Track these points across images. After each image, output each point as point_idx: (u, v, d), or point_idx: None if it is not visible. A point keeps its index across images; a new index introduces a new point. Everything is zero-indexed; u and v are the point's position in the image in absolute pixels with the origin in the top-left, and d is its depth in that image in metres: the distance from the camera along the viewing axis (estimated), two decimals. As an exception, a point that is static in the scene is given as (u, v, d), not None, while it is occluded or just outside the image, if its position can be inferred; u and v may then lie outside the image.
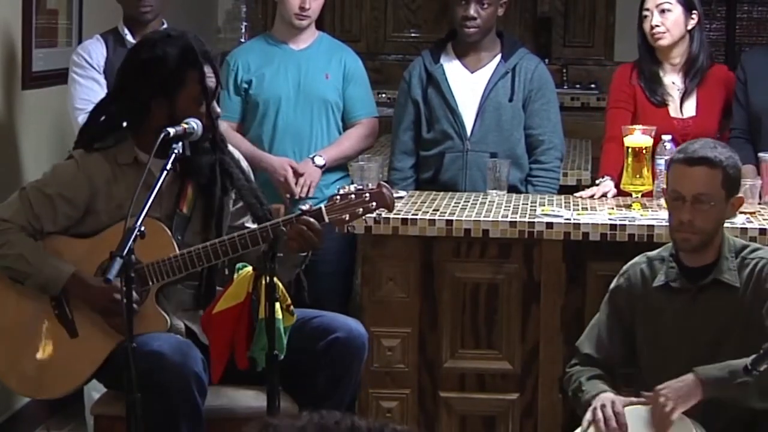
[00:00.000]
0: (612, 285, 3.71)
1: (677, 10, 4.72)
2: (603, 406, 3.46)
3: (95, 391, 4.17)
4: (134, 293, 3.46)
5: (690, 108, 4.78)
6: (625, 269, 3.70)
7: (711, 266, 3.54)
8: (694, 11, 4.76)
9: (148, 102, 3.60)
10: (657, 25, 4.69)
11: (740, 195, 3.61)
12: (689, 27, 4.76)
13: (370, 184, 3.59)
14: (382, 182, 3.64)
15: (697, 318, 3.53)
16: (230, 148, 3.80)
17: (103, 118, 3.72)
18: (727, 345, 3.49)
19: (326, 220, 3.48)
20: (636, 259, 3.70)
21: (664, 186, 3.72)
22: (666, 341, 3.57)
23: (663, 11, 4.70)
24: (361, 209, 3.47)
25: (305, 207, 3.52)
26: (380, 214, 3.57)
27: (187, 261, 3.53)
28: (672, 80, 4.80)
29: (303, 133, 4.89)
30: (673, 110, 4.78)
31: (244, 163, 3.83)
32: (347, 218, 3.49)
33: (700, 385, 3.38)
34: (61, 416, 4.59)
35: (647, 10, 4.73)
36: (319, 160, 4.84)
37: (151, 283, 3.55)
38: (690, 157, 3.51)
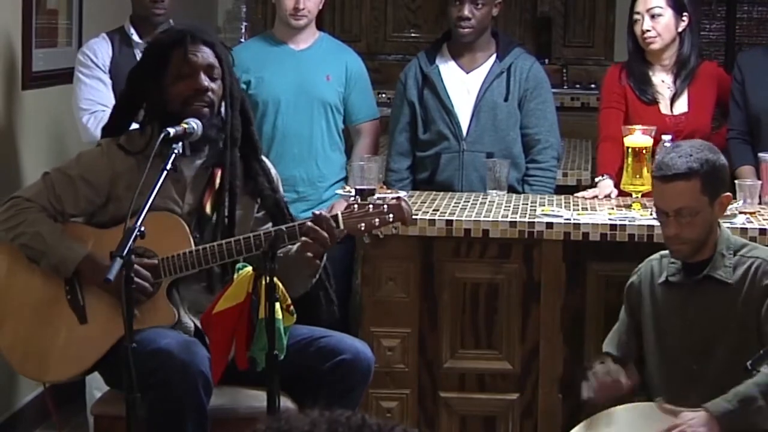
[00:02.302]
0: (627, 282, 3.74)
1: (668, 14, 4.71)
2: (595, 372, 3.51)
3: (97, 390, 4.17)
4: (148, 276, 3.51)
5: (681, 105, 4.79)
6: (639, 266, 3.73)
7: (707, 262, 3.56)
8: (685, 13, 4.75)
9: (147, 91, 3.66)
10: (648, 30, 4.69)
11: (727, 193, 3.59)
12: (680, 29, 4.75)
13: (388, 197, 3.57)
14: (402, 196, 3.63)
15: (692, 313, 3.56)
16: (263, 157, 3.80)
17: (121, 113, 3.77)
18: (722, 341, 3.51)
19: (341, 227, 3.48)
20: (652, 256, 3.72)
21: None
22: (666, 336, 3.59)
23: (654, 16, 4.70)
24: (377, 220, 3.47)
25: (318, 212, 3.52)
26: (396, 228, 3.53)
27: (201, 257, 3.55)
28: (662, 79, 4.81)
29: (303, 134, 4.89)
30: (664, 107, 4.78)
31: (273, 172, 3.81)
32: (362, 227, 3.48)
33: (715, 421, 3.36)
34: (62, 416, 4.58)
35: (638, 13, 4.73)
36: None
37: (163, 276, 3.57)
38: (663, 174, 3.48)
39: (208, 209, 3.67)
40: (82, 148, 4.58)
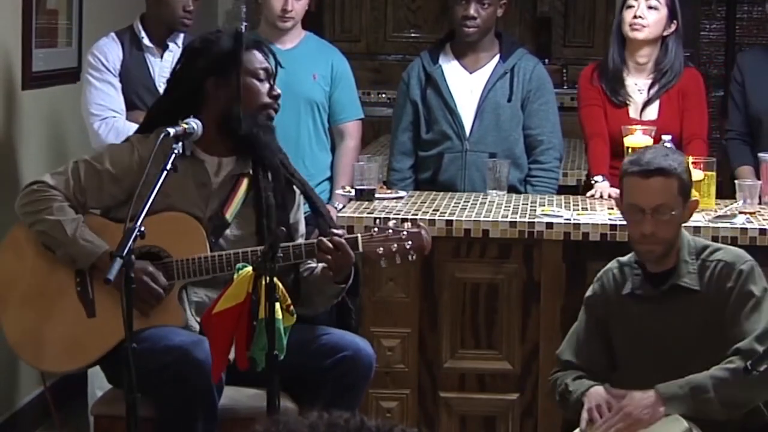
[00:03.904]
0: (588, 292, 3.69)
1: (663, 12, 4.71)
2: (599, 406, 3.47)
3: (99, 389, 4.17)
4: (166, 283, 3.53)
5: (651, 112, 4.76)
6: (599, 276, 3.69)
7: (672, 271, 3.54)
8: (675, 21, 4.74)
9: (202, 83, 3.66)
10: (641, 17, 4.68)
11: (695, 199, 3.62)
12: (665, 33, 4.74)
13: (408, 224, 3.57)
14: (422, 224, 3.64)
15: (663, 323, 3.53)
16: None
17: (162, 111, 3.76)
18: (699, 349, 3.48)
19: (360, 249, 3.50)
20: (609, 264, 3.68)
21: (617, 196, 3.69)
22: (639, 347, 3.57)
23: (650, 7, 4.70)
24: (395, 245, 3.49)
25: (339, 232, 3.54)
26: (413, 255, 3.54)
27: (216, 264, 3.56)
28: (635, 82, 4.79)
29: (290, 133, 4.88)
30: (633, 111, 4.76)
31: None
32: (381, 251, 3.50)
33: (661, 402, 3.40)
34: (63, 415, 4.58)
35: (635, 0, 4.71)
36: (339, 204, 4.83)
37: (176, 279, 3.58)
38: (645, 169, 3.46)
39: (228, 215, 3.68)
40: (82, 150, 4.58)
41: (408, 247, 3.48)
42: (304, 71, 4.93)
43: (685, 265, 3.52)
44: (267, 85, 3.69)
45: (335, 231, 3.54)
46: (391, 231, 3.49)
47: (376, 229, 3.52)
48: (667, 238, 3.49)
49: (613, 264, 3.66)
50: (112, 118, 4.64)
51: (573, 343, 3.69)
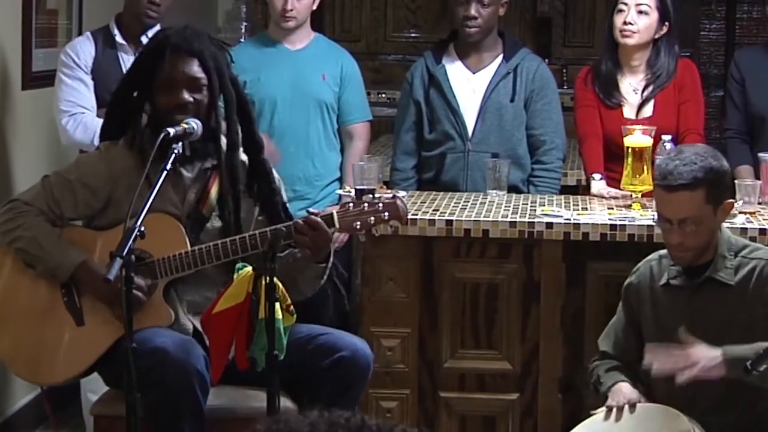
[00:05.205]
0: (625, 282, 3.71)
1: (654, 16, 4.69)
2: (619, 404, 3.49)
3: (92, 392, 4.17)
4: (143, 285, 3.50)
5: (647, 110, 4.75)
6: (638, 266, 3.70)
7: (709, 264, 3.54)
8: (666, 22, 4.73)
9: (138, 101, 3.69)
10: (631, 23, 4.67)
11: (730, 200, 3.55)
12: (657, 36, 4.73)
13: (384, 196, 3.57)
14: (397, 194, 3.64)
15: (695, 316, 3.53)
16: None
17: (116, 117, 3.76)
18: (725, 344, 3.47)
19: (337, 225, 3.48)
20: (650, 256, 3.69)
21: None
22: (669, 339, 3.56)
23: (640, 12, 4.68)
24: (373, 218, 3.47)
25: (315, 211, 3.53)
26: (392, 226, 3.54)
27: (197, 257, 3.55)
28: (629, 82, 4.78)
29: (299, 133, 4.89)
30: (628, 111, 4.75)
31: (275, 174, 3.80)
32: (358, 226, 3.48)
33: (724, 363, 3.36)
34: (58, 418, 4.57)
35: (624, 4, 4.70)
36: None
37: (160, 277, 3.57)
38: (669, 184, 3.43)
39: (204, 211, 3.67)
40: (77, 150, 4.58)
41: (385, 217, 3.47)
42: (314, 72, 4.93)
43: (722, 260, 3.52)
44: (171, 96, 3.59)
45: (311, 210, 3.54)
46: (366, 204, 3.48)
47: (351, 204, 3.51)
48: (696, 245, 3.48)
49: (653, 256, 3.67)
50: (80, 114, 4.65)
51: (611, 333, 3.72)
